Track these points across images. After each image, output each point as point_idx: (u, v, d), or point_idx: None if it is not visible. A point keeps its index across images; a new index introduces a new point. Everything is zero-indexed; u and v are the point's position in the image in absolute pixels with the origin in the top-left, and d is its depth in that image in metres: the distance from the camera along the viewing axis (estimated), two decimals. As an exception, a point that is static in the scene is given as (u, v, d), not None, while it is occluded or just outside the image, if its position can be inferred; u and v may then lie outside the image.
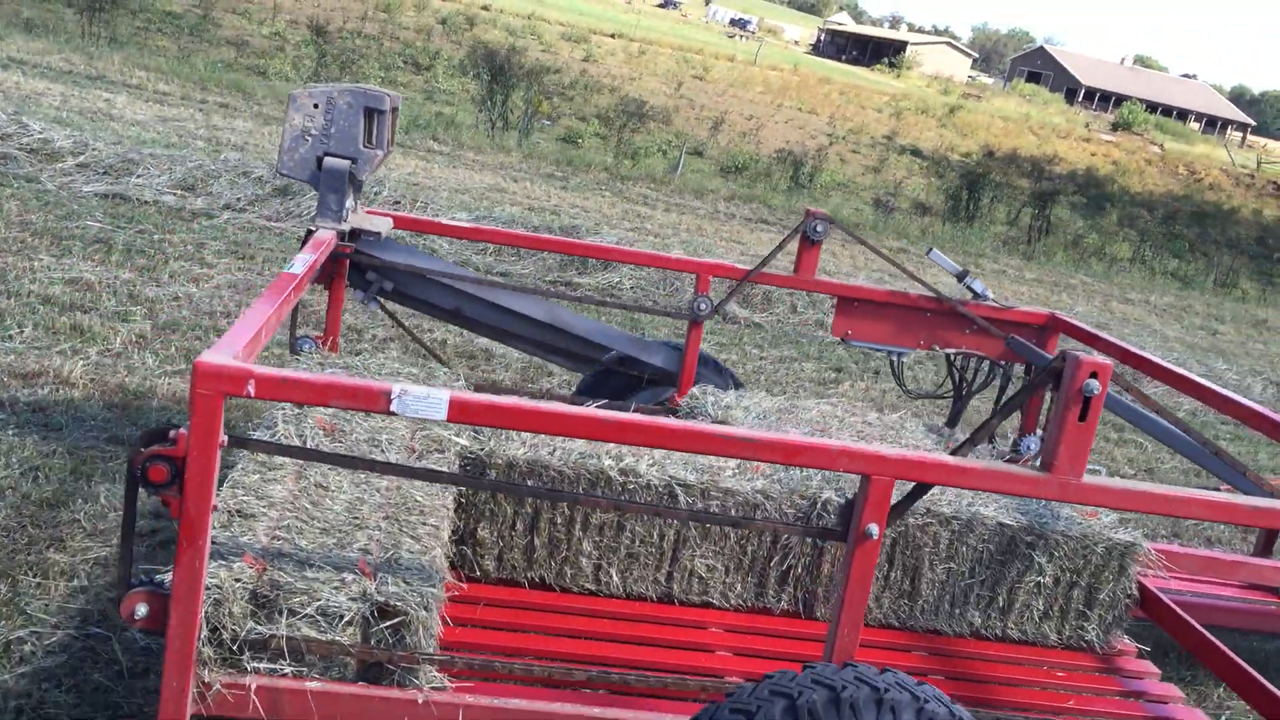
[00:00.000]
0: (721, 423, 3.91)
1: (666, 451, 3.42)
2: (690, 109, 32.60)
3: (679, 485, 3.33)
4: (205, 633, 2.42)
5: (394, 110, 4.35)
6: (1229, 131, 77.42)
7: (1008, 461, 4.09)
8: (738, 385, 4.97)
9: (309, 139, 4.19)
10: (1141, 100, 66.06)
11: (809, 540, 3.43)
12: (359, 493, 3.02)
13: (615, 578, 3.38)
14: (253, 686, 2.46)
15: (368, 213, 4.60)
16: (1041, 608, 3.56)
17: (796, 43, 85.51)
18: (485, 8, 40.32)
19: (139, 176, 9.90)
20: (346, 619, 2.50)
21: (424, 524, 2.91)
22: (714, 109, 33.12)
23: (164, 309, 7.00)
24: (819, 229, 4.75)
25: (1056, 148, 40.58)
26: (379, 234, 4.52)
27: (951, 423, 5.06)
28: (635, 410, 4.41)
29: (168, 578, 2.42)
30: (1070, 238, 24.51)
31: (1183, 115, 75.20)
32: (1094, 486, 2.61)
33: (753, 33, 79.26)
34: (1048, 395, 4.75)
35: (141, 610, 2.42)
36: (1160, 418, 3.60)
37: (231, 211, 9.87)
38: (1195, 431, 3.52)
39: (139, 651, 3.64)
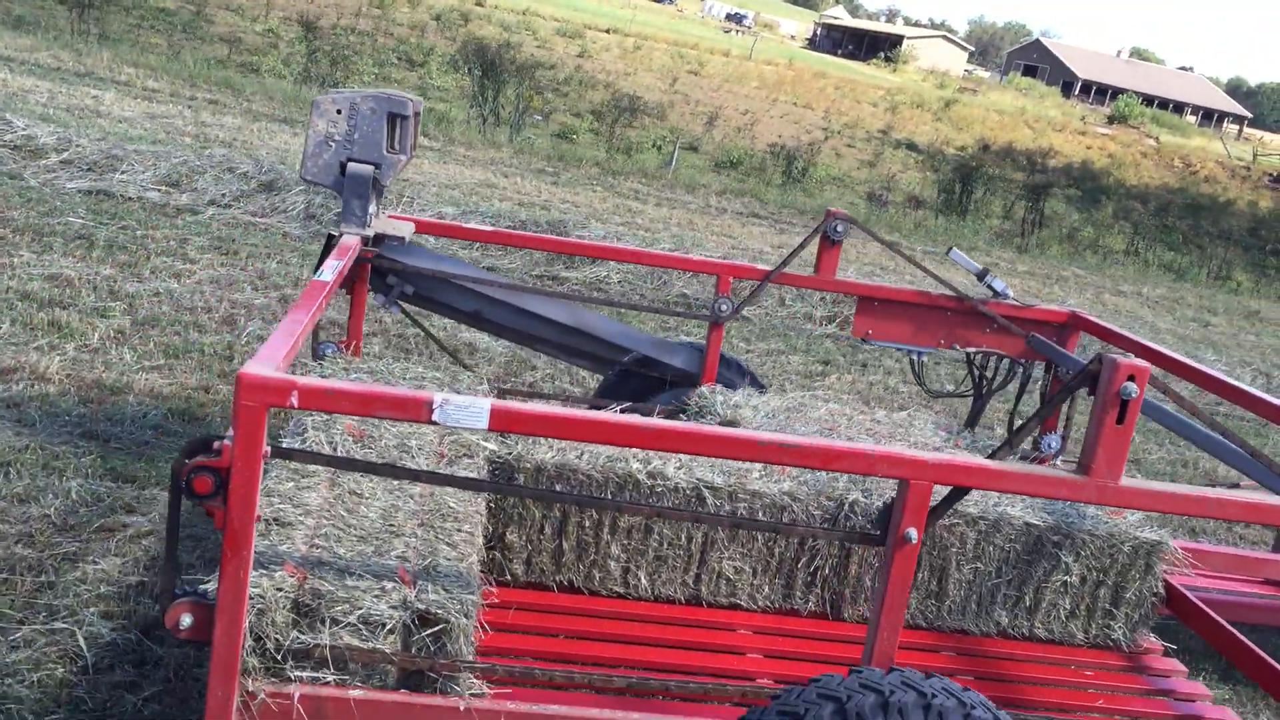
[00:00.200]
0: (731, 422, 3.93)
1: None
2: (685, 104, 32.55)
3: (707, 488, 3.34)
4: (249, 642, 2.43)
5: (416, 115, 4.35)
6: (1225, 124, 77.39)
7: (1029, 460, 4.12)
8: (760, 386, 4.99)
9: (332, 144, 4.20)
10: (1138, 93, 66.04)
11: (836, 542, 3.44)
12: (393, 499, 3.04)
13: (643, 580, 3.40)
14: (296, 695, 2.47)
15: (389, 217, 4.61)
16: (1068, 607, 3.57)
17: (793, 37, 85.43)
18: (480, 3, 40.25)
19: (123, 173, 9.87)
20: (388, 627, 2.52)
21: (459, 530, 2.93)
22: (709, 104, 33.08)
23: (144, 304, 6.98)
24: (839, 229, 4.75)
25: (1052, 141, 40.54)
26: (403, 239, 4.54)
27: (972, 421, 5.08)
28: (658, 412, 4.42)
29: (210, 587, 2.44)
30: (1065, 231, 24.49)
31: (1179, 108, 75.16)
32: (1132, 489, 2.62)
33: (749, 27, 79.20)
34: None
35: (186, 620, 2.43)
36: (1196, 420, 3.56)
37: (216, 207, 9.84)
38: (1234, 434, 3.46)
39: (104, 647, 3.62)
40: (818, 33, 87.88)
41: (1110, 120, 53.99)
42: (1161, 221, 27.31)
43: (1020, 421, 5.03)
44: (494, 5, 40.58)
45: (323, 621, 2.49)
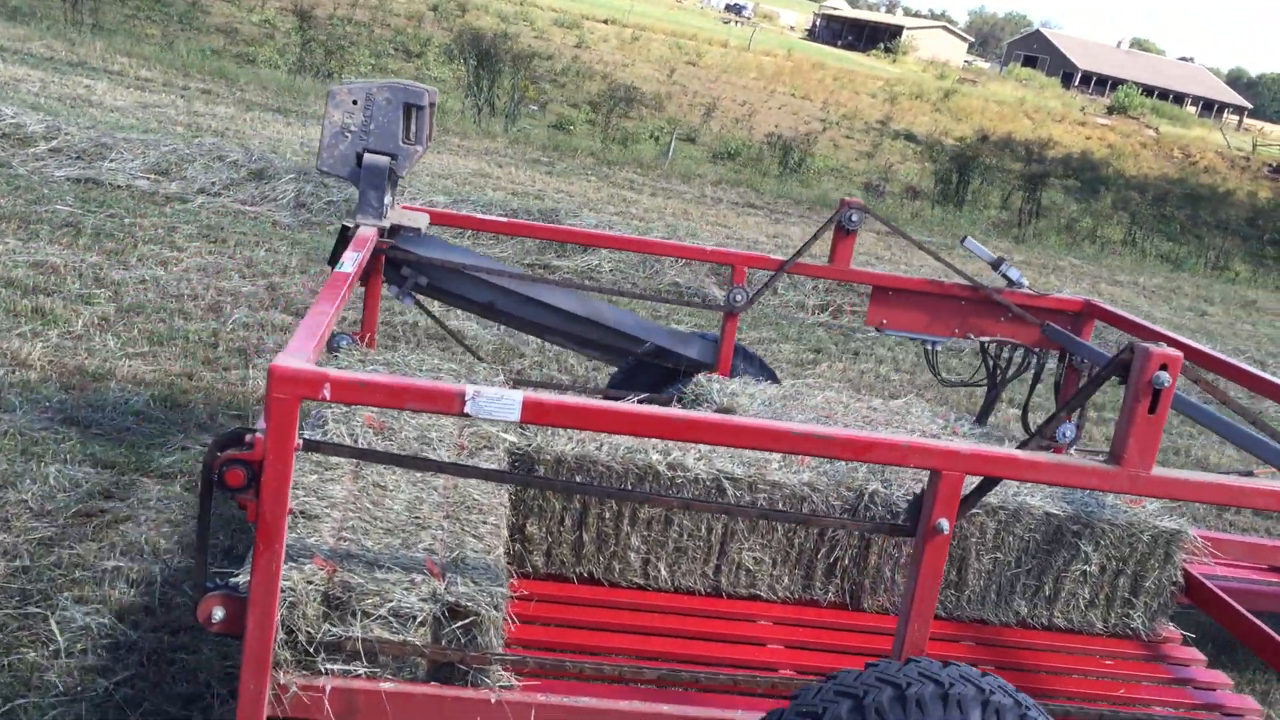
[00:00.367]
0: (727, 410, 3.93)
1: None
2: (683, 95, 32.46)
3: (727, 479, 3.34)
4: (281, 635, 2.43)
5: (432, 105, 4.34)
6: (1225, 115, 77.24)
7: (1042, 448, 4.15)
8: (773, 378, 4.98)
9: (348, 136, 4.19)
10: (1138, 84, 65.86)
11: (856, 532, 3.44)
12: (417, 491, 3.04)
13: (663, 572, 3.40)
14: (327, 688, 2.47)
15: (403, 208, 4.60)
16: (1087, 596, 3.58)
17: (792, 28, 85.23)
18: (477, -7, 40.12)
19: (112, 161, 9.83)
20: (419, 620, 2.52)
21: (484, 522, 2.93)
22: (707, 95, 32.99)
23: (129, 292, 6.95)
24: (854, 218, 4.74)
25: (1051, 131, 40.43)
26: (419, 230, 4.53)
27: (985, 409, 5.08)
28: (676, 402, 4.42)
29: (240, 580, 2.44)
30: (1064, 221, 24.43)
31: (1180, 99, 74.99)
32: (1164, 479, 2.62)
33: (748, 18, 79.00)
34: (1083, 383, 4.78)
35: (218, 614, 2.43)
36: (1211, 408, 3.52)
37: (206, 196, 9.80)
38: (1266, 424, 3.43)
39: (77, 631, 3.60)
40: (817, 23, 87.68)
41: (1110, 111, 53.86)
42: (1159, 211, 27.25)
43: (1034, 410, 5.04)
44: (492, -5, 40.46)
45: (353, 614, 2.49)
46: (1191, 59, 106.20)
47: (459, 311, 5.24)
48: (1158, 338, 4.41)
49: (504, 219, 5.69)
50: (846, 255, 4.80)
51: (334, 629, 2.48)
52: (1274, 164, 41.82)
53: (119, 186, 9.53)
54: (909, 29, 79.76)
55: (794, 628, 3.36)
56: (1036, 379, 5.04)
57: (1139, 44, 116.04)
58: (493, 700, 2.56)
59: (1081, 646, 3.53)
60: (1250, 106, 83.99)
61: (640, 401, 3.66)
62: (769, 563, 3.43)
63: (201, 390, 5.72)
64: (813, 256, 5.03)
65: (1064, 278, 16.35)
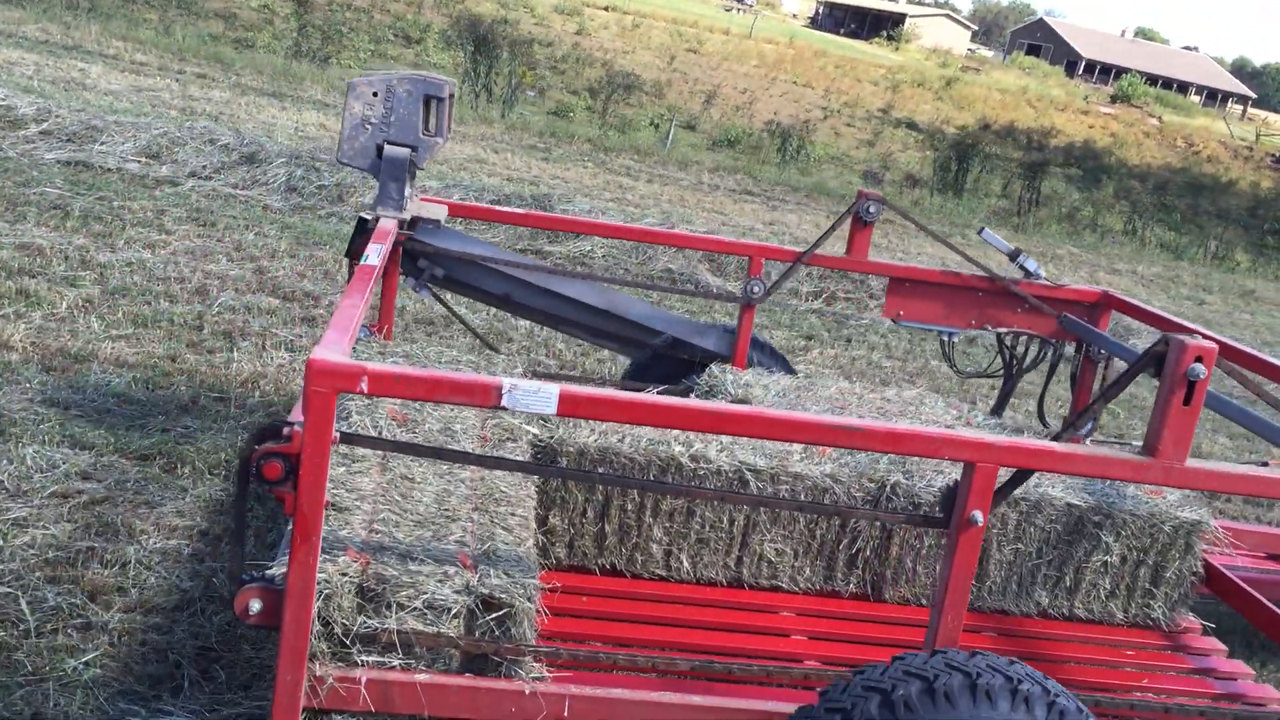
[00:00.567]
0: (742, 401, 3.93)
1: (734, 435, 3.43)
2: (684, 82, 32.36)
3: (749, 470, 3.34)
4: (317, 627, 2.44)
5: (451, 96, 4.35)
6: (1229, 104, 77.01)
7: (1060, 438, 4.15)
8: (789, 369, 4.97)
9: (369, 127, 4.20)
10: (1142, 73, 65.62)
11: (879, 523, 3.44)
12: (444, 483, 3.05)
13: (685, 563, 3.41)
14: (363, 679, 2.48)
15: (421, 200, 4.59)
16: (1108, 586, 3.58)
17: (795, 16, 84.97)
18: (477, -21, 39.97)
19: (102, 144, 9.80)
20: (453, 612, 2.53)
21: (513, 514, 2.94)
22: (707, 82, 32.88)
23: (115, 274, 6.92)
24: (872, 210, 4.73)
25: (1054, 120, 40.30)
26: (437, 222, 4.53)
27: (1002, 401, 5.08)
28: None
29: (276, 573, 2.45)
30: (1065, 210, 24.36)
31: (1183, 88, 74.75)
32: (1198, 471, 2.62)
33: (750, 6, 78.71)
34: (1099, 375, 4.79)
35: (255, 606, 2.44)
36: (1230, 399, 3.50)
37: (197, 179, 9.77)
38: None
39: (48, 611, 3.58)
40: (820, 11, 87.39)
41: (1113, 100, 53.68)
42: (1160, 200, 27.17)
43: (1051, 401, 5.05)
44: (492, -18, 40.29)
45: (388, 606, 2.50)
46: (1196, 48, 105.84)
47: (446, 296, 5.22)
48: (1175, 328, 4.41)
49: (520, 210, 5.70)
50: (864, 247, 4.81)
51: (369, 621, 2.49)
52: (1277, 154, 41.69)
53: (109, 169, 9.49)
54: (912, 17, 79.50)
55: (817, 619, 3.36)
56: (1053, 370, 5.05)
57: (1143, 33, 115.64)
58: (527, 691, 2.57)
59: (1102, 637, 3.54)
60: (1254, 96, 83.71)
61: (660, 393, 3.67)
62: (790, 554, 3.44)
63: (184, 372, 5.70)
64: (810, 247, 4.98)
65: (1062, 266, 16.30)
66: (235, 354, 6.05)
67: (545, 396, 2.27)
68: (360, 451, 3.05)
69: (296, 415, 2.89)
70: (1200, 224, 26.01)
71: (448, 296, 5.21)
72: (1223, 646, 3.59)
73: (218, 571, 3.99)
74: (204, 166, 9.94)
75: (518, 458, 3.20)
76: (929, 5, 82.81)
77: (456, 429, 3.33)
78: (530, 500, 3.07)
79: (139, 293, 6.70)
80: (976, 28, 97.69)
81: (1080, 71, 75.56)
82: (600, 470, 3.31)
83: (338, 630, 2.47)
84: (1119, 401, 8.53)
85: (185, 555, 4.06)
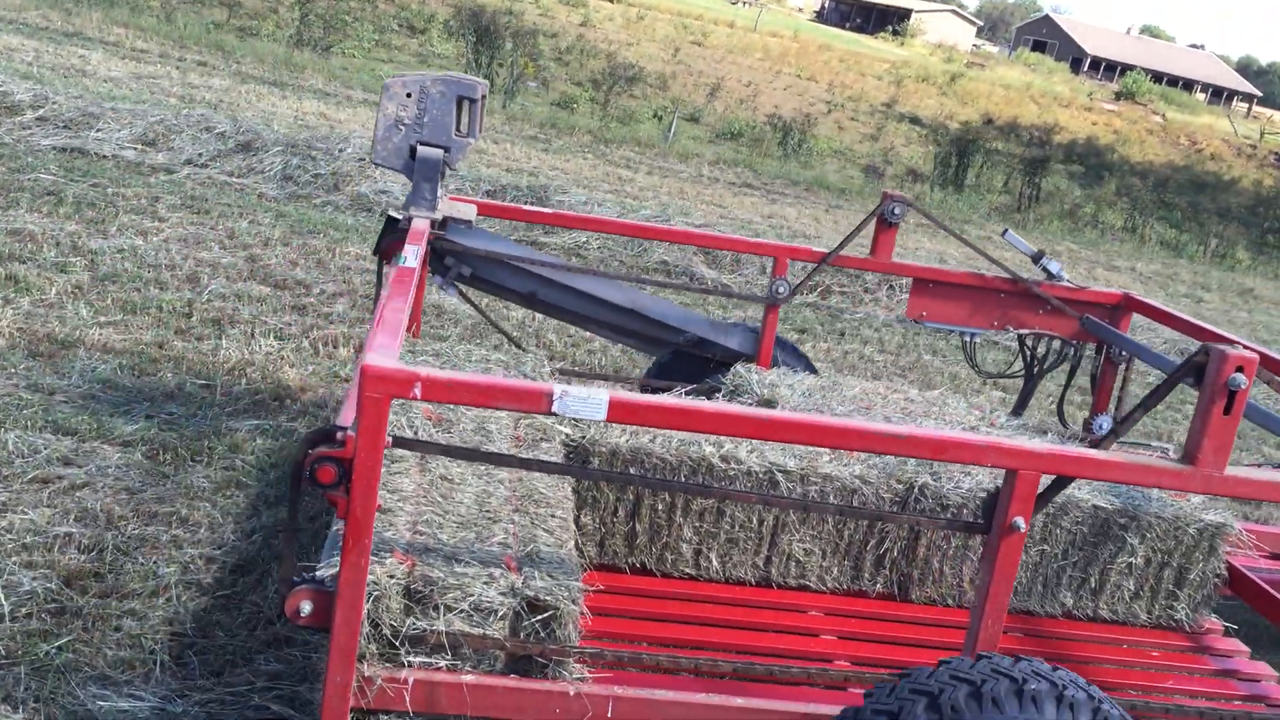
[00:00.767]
0: (768, 401, 3.96)
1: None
2: (688, 75, 32.32)
3: (779, 471, 3.37)
4: (366, 628, 2.46)
5: (483, 98, 4.37)
6: (1235, 102, 76.80)
7: (1081, 441, 4.22)
8: (811, 369, 5.00)
9: (402, 128, 4.23)
10: (1147, 70, 65.42)
11: (906, 525, 3.47)
12: (482, 484, 3.07)
13: (714, 562, 3.43)
14: (409, 680, 2.50)
15: (450, 199, 4.62)
16: (1132, 588, 3.60)
17: (801, 10, 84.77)
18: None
19: (99, 131, 9.80)
20: (500, 614, 2.56)
21: (552, 516, 2.96)
22: (711, 75, 32.84)
23: (106, 261, 6.92)
24: (896, 211, 4.78)
25: (1058, 117, 40.20)
26: (469, 222, 4.55)
27: (1021, 402, 5.13)
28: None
29: (325, 574, 2.47)
30: (1066, 207, 24.32)
31: (1189, 86, 74.55)
32: (1238, 479, 2.65)
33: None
34: (1120, 377, 4.84)
35: (306, 608, 2.46)
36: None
37: (192, 167, 9.77)
38: None
39: (23, 595, 3.59)
40: (826, 5, 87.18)
41: (1118, 97, 53.53)
42: (1160, 197, 27.12)
43: (1069, 403, 5.11)
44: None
45: (435, 608, 2.52)
46: (1202, 46, 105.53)
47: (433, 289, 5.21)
48: (1199, 332, 4.47)
49: (549, 210, 5.71)
50: (888, 248, 4.85)
51: (418, 622, 2.52)
52: (1280, 152, 41.56)
53: (104, 156, 9.50)
54: (918, 12, 79.25)
55: (846, 619, 3.39)
56: (1073, 372, 5.08)
57: (1149, 30, 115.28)
58: (571, 693, 2.59)
59: (1126, 638, 3.56)
60: (1260, 94, 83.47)
61: (687, 393, 3.69)
62: (819, 554, 3.46)
63: (171, 359, 5.70)
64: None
65: (1061, 263, 16.28)
66: (223, 341, 6.05)
67: (595, 404, 2.30)
68: (398, 451, 3.06)
69: (345, 418, 2.91)
70: (1201, 221, 25.96)
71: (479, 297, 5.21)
72: (1245, 648, 3.62)
73: (195, 558, 4.00)
74: (200, 154, 9.95)
75: (558, 460, 3.23)
76: (935, 0, 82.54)
77: (491, 429, 3.37)
78: (568, 501, 3.10)
79: (129, 279, 6.70)
80: (982, 23, 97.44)
81: (1085, 68, 75.38)
82: (631, 470, 3.34)
83: (386, 631, 2.50)
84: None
85: (164, 541, 4.06)
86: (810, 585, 3.48)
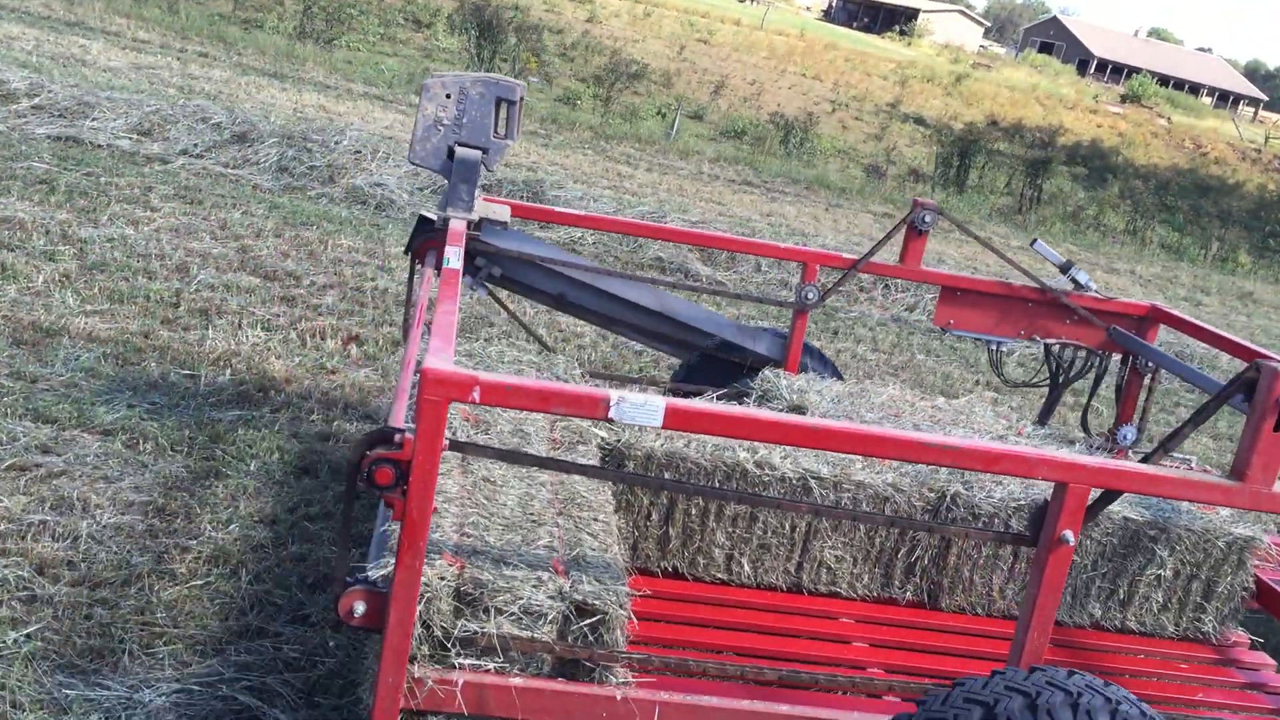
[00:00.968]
0: (798, 407, 3.99)
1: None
2: (692, 72, 32.26)
3: (813, 478, 3.38)
4: (418, 630, 2.47)
5: (522, 99, 4.37)
6: (1240, 106, 76.63)
7: (1107, 451, 4.26)
8: (837, 375, 5.03)
9: (441, 129, 4.23)
10: (1154, 73, 65.32)
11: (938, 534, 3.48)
12: (524, 486, 3.08)
13: (746, 567, 3.45)
14: (459, 682, 2.52)
15: (484, 200, 4.62)
16: (1160, 600, 3.63)
17: (808, 8, 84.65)
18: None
19: (94, 120, 9.79)
20: (549, 617, 2.57)
21: (595, 519, 2.98)
22: (716, 73, 32.78)
23: (95, 250, 6.91)
24: (926, 219, 4.79)
25: (1063, 118, 40.11)
26: (505, 223, 4.55)
27: (1047, 411, 5.14)
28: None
29: (377, 575, 2.49)
30: (1069, 209, 24.26)
31: (1195, 89, 74.38)
32: None
33: (763, -3, 78.32)
34: (1145, 388, 4.87)
35: (359, 608, 2.47)
36: None
37: (187, 157, 9.76)
38: None
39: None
40: (834, 4, 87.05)
41: (1123, 99, 53.44)
42: (1162, 200, 27.05)
43: (1094, 413, 5.20)
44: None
45: (485, 611, 2.54)
46: (1209, 50, 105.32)
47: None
48: (1220, 341, 4.48)
49: (582, 213, 5.70)
50: (918, 255, 4.87)
51: (469, 624, 2.53)
52: (1286, 157, 41.45)
53: (99, 146, 9.48)
54: (925, 12, 79.10)
55: (879, 626, 3.40)
56: (1098, 381, 5.09)
57: (1156, 33, 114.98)
58: (619, 697, 2.60)
59: (1153, 649, 3.58)
60: (1266, 99, 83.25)
61: (718, 397, 3.70)
62: (850, 560, 3.48)
63: (156, 349, 5.69)
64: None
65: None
66: (210, 332, 6.04)
67: (652, 410, 2.33)
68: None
69: (395, 419, 2.91)
70: (1203, 225, 25.89)
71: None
72: (1271, 661, 3.64)
73: (170, 548, 3.99)
74: (195, 144, 9.93)
75: (588, 461, 3.24)
76: (943, 1, 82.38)
77: (528, 430, 3.38)
78: (609, 505, 3.11)
79: (117, 268, 6.69)
80: (989, 24, 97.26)
81: (1092, 70, 75.24)
82: (666, 475, 3.35)
83: (437, 633, 2.51)
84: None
85: (139, 531, 4.05)
86: (840, 592, 3.50)
